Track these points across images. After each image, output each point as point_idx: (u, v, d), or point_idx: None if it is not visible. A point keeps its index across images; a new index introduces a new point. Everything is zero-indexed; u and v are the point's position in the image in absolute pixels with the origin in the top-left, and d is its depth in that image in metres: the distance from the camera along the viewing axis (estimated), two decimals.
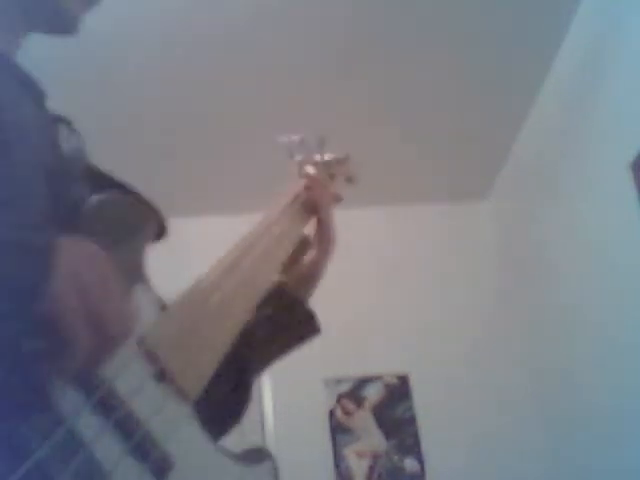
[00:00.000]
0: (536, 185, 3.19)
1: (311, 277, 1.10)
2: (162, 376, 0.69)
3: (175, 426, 0.68)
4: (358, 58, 2.81)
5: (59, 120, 0.78)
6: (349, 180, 1.27)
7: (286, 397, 3.15)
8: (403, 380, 3.24)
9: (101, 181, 0.75)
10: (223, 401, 0.90)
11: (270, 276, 0.99)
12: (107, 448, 0.55)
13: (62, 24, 0.80)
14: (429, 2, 2.62)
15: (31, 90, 0.73)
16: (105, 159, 0.83)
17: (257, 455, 0.83)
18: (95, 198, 0.71)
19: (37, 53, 0.76)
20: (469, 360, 3.27)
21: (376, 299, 3.38)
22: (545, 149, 3.08)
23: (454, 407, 3.18)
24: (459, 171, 3.45)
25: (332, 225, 1.14)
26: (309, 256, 1.11)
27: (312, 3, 2.58)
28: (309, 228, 1.13)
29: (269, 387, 3.15)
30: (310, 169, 1.18)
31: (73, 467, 0.50)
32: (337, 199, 1.22)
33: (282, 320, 1.05)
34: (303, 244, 1.10)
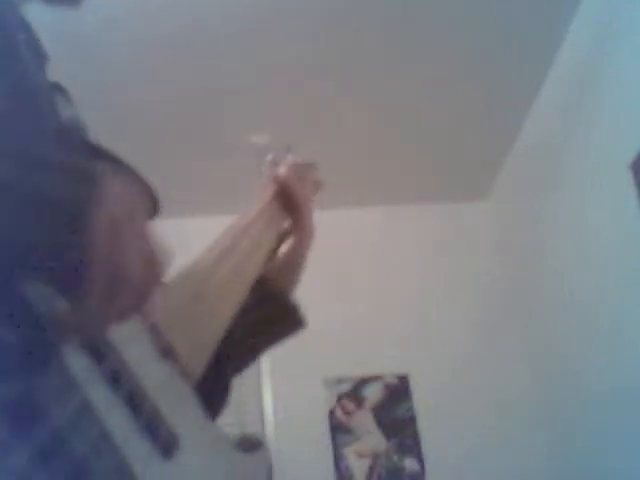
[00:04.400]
0: (536, 185, 3.19)
1: (290, 268, 1.09)
2: (167, 353, 0.67)
3: (180, 405, 0.66)
4: (358, 58, 2.81)
5: (56, 87, 0.75)
6: (316, 186, 1.26)
7: (286, 397, 3.15)
8: (403, 380, 3.24)
9: (95, 153, 0.73)
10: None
11: (259, 267, 0.99)
12: (117, 421, 0.53)
13: None
14: (429, 2, 2.62)
15: (37, 51, 0.71)
16: None
17: (251, 443, 0.81)
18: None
19: None
20: (469, 360, 3.27)
21: (376, 299, 3.38)
22: (545, 149, 3.08)
23: (454, 407, 3.18)
24: (459, 171, 3.45)
25: (309, 217, 1.13)
26: (286, 247, 1.10)
27: (313, 3, 2.58)
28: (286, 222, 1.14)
29: (269, 387, 3.15)
30: (282, 170, 1.18)
31: (89, 436, 0.49)
32: (310, 197, 1.20)
33: (262, 313, 1.02)
34: (279, 236, 1.11)
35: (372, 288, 3.40)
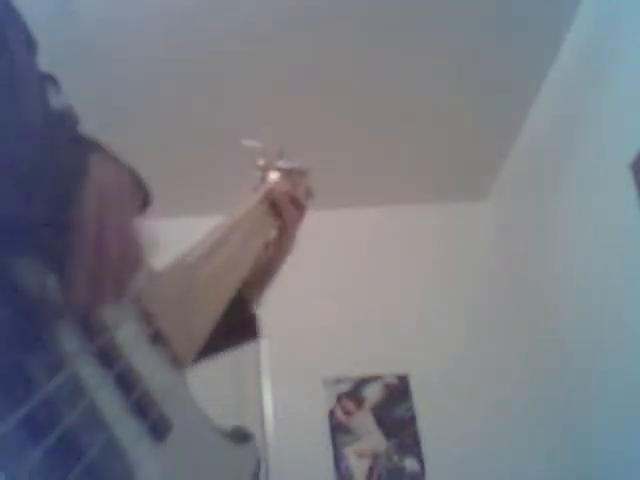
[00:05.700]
0: (536, 185, 3.19)
1: (265, 278, 1.10)
2: (157, 338, 0.67)
3: (171, 390, 0.65)
4: (358, 57, 2.81)
5: (47, 77, 0.75)
6: (308, 193, 1.26)
7: (286, 397, 3.15)
8: (403, 380, 3.24)
9: (87, 144, 0.73)
10: None
11: (248, 263, 0.99)
12: (107, 400, 0.53)
13: None
14: (429, 2, 2.62)
15: (27, 39, 0.70)
16: None
17: (241, 434, 0.80)
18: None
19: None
20: (469, 360, 3.27)
21: (376, 299, 3.38)
22: (545, 149, 3.08)
23: (454, 407, 3.18)
24: (459, 171, 3.45)
25: (294, 229, 1.14)
26: (265, 257, 1.10)
27: (313, 4, 2.58)
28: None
29: (269, 387, 3.15)
30: (273, 175, 1.20)
31: (79, 408, 0.49)
32: (301, 205, 1.20)
33: (227, 319, 1.00)
34: (265, 244, 1.11)
35: (372, 288, 3.40)
